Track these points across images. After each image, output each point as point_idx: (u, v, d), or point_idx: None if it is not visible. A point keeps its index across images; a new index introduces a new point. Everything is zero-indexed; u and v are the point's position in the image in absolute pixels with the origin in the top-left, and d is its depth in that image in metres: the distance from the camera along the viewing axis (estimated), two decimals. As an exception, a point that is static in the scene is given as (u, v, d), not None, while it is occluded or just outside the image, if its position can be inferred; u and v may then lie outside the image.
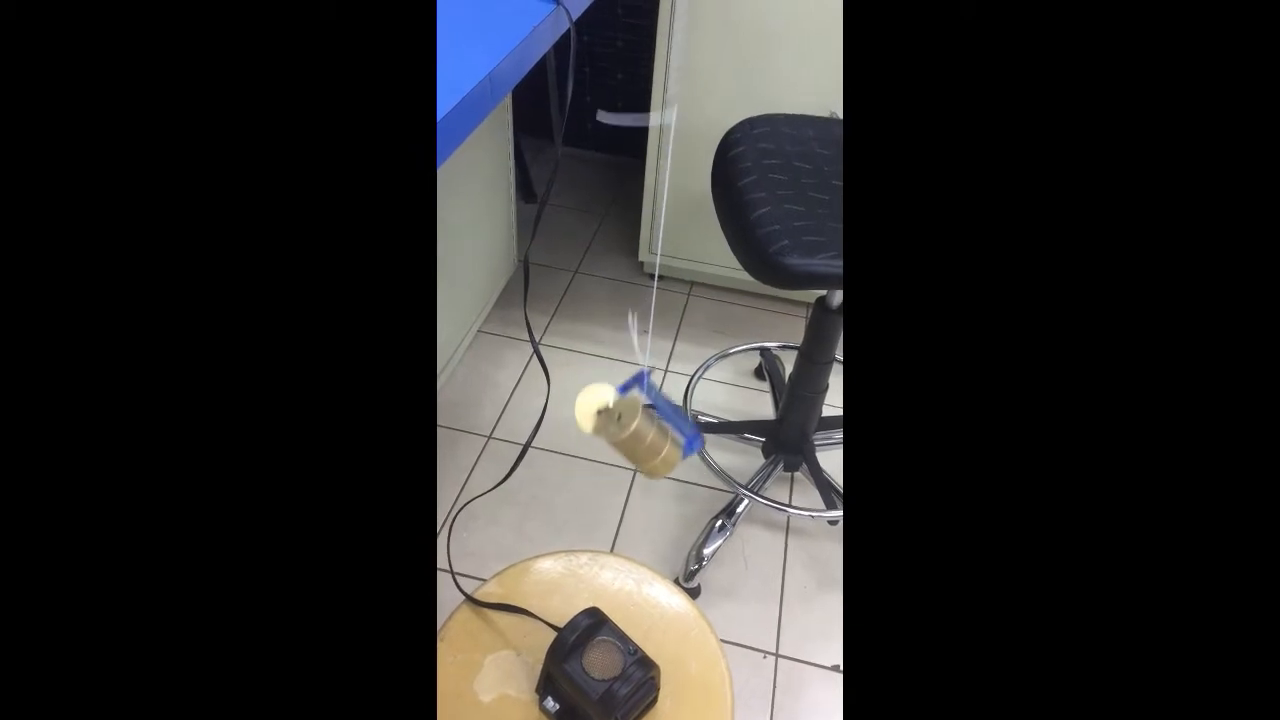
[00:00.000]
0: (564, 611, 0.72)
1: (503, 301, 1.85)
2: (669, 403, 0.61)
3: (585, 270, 1.97)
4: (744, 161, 1.09)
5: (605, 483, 1.48)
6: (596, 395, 0.61)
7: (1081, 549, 0.35)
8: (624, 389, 0.62)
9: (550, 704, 0.69)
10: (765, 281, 0.98)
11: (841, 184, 1.07)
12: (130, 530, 0.35)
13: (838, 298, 1.19)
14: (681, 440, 0.61)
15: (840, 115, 1.35)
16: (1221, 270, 0.34)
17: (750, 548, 1.41)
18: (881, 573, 0.37)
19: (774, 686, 1.23)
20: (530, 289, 1.90)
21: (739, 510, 1.36)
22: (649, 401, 0.60)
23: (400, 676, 0.37)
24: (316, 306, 0.36)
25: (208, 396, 0.35)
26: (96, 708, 0.34)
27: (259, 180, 0.36)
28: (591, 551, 0.84)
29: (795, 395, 1.33)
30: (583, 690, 0.64)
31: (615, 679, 0.65)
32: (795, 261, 0.95)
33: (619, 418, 0.59)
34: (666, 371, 1.73)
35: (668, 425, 0.61)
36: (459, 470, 1.48)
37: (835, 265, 0.94)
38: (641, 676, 0.65)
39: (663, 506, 1.45)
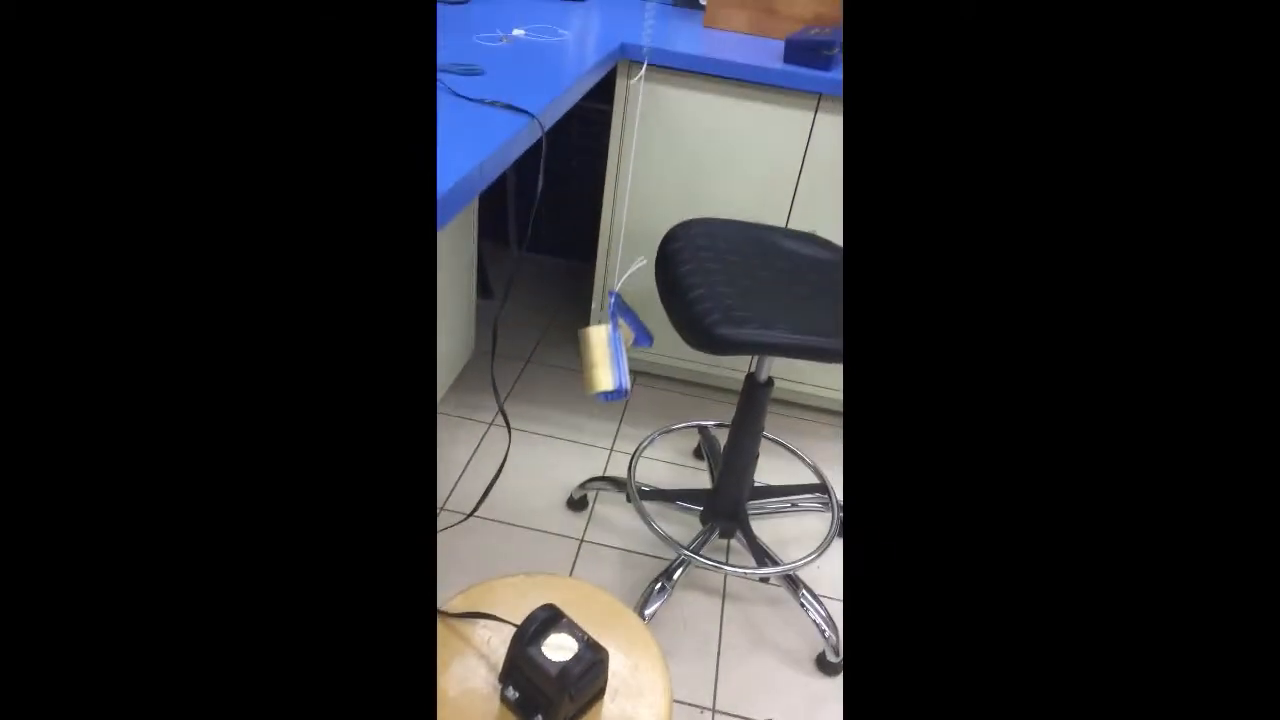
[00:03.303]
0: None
1: (459, 386, 1.98)
2: (635, 317, 0.97)
3: (537, 359, 2.12)
4: (683, 254, 1.29)
5: (552, 552, 1.57)
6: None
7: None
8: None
9: (511, 692, 0.78)
10: (702, 349, 1.15)
11: (764, 274, 1.26)
12: (131, 494, 0.36)
13: (764, 371, 1.37)
14: (613, 378, 0.87)
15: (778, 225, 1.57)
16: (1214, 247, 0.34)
17: (688, 611, 1.50)
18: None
19: (710, 736, 1.30)
20: (486, 376, 2.03)
21: (677, 573, 1.47)
22: (616, 313, 0.91)
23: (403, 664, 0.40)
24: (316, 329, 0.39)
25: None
26: (102, 694, 0.34)
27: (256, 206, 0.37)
28: (548, 574, 0.94)
29: (729, 463, 1.47)
30: (542, 669, 0.74)
31: (570, 660, 0.75)
32: (726, 331, 1.12)
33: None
34: (611, 450, 1.85)
35: (614, 360, 0.85)
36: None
37: (759, 334, 1.12)
38: (592, 658, 0.75)
39: (609, 572, 1.54)
